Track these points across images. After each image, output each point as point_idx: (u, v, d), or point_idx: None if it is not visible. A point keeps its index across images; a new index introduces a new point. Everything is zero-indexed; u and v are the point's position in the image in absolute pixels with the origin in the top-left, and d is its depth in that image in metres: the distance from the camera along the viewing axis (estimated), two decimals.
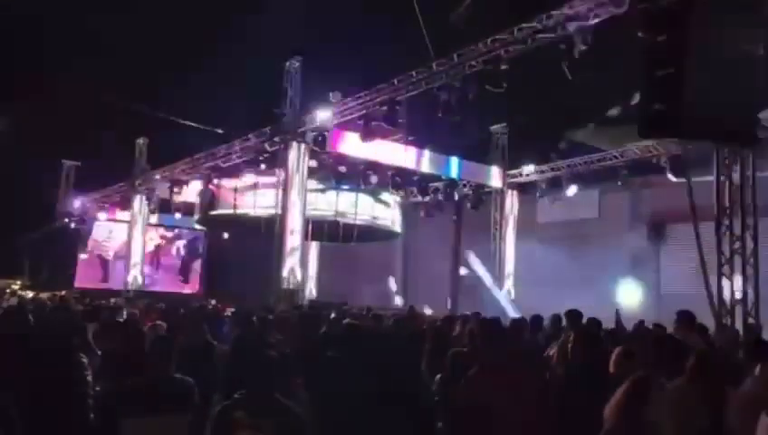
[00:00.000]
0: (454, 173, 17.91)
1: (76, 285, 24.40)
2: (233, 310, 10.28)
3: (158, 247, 26.72)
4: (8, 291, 20.75)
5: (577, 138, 17.48)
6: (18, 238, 24.19)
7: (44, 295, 18.29)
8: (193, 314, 8.82)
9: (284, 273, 14.76)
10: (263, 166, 16.36)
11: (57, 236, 25.26)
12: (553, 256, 18.26)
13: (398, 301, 22.58)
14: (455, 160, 17.83)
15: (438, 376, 4.96)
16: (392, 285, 23.91)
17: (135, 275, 22.04)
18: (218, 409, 3.66)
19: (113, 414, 3.88)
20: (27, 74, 21.40)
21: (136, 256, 22.27)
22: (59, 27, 20.65)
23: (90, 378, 4.60)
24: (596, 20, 10.14)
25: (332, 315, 8.85)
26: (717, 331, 10.12)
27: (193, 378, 4.12)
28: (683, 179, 14.00)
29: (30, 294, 19.35)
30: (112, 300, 12.64)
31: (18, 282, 23.84)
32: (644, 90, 6.51)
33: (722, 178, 12.71)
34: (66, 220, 24.86)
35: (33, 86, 21.38)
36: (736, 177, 12.60)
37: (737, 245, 12.39)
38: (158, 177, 20.89)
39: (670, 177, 14.57)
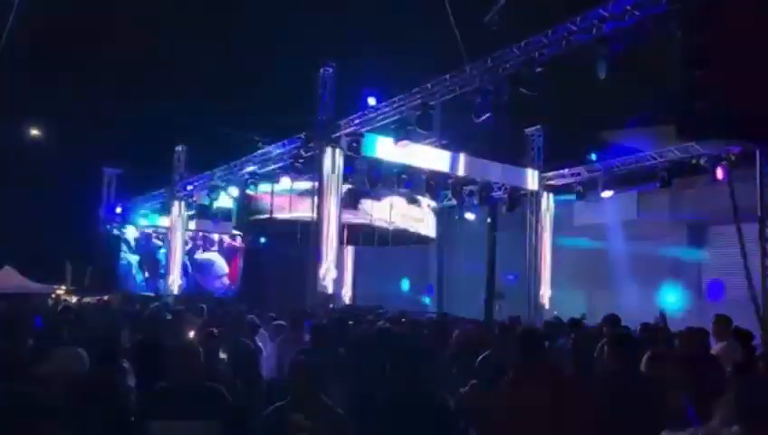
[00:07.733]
0: (488, 176, 17.81)
1: (119, 289, 24.90)
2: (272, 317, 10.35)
3: (197, 252, 27.08)
4: (53, 296, 21.31)
5: (613, 139, 17.24)
6: (61, 245, 24.84)
7: (89, 300, 18.79)
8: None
9: (320, 278, 14.87)
10: (299, 171, 16.47)
11: (100, 242, 25.92)
12: (591, 259, 18.01)
13: (433, 306, 22.51)
14: (489, 163, 17.73)
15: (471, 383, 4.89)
16: (428, 289, 23.87)
17: (174, 279, 22.49)
18: (271, 411, 3.68)
19: (141, 415, 3.97)
20: (70, 83, 22.07)
21: (175, 261, 22.71)
22: (102, 37, 21.26)
23: (132, 383, 4.73)
24: (632, 20, 10.00)
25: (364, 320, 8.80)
26: (763, 334, 9.88)
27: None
28: (725, 179, 13.68)
29: (74, 299, 19.85)
30: (153, 304, 12.89)
31: (63, 287, 24.42)
32: (684, 89, 6.43)
33: (765, 177, 12.39)
34: (108, 226, 25.51)
35: (75, 95, 22.06)
36: None
37: None
38: (196, 183, 21.28)
39: (716, 175, 14.05)
